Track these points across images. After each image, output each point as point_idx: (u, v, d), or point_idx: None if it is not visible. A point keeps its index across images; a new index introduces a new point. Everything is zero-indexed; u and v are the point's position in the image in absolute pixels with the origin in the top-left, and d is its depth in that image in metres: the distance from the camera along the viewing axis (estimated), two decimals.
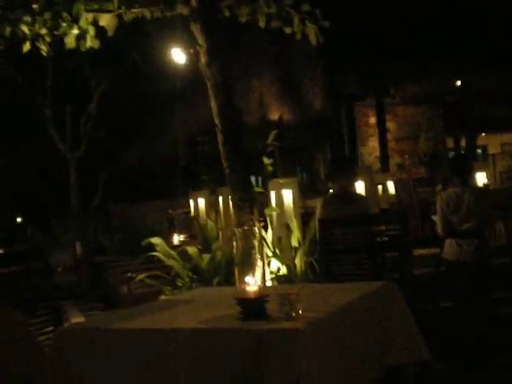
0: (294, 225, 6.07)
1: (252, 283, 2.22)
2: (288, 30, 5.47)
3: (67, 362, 2.29)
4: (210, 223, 6.64)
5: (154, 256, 6.10)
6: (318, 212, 5.22)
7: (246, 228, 2.49)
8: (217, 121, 5.46)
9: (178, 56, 7.42)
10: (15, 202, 14.48)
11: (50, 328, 3.19)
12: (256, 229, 2.44)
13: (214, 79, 5.44)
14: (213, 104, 5.49)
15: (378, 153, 16.13)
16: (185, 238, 8.99)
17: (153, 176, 15.05)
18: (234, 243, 2.36)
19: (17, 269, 3.16)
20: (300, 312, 2.19)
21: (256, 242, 2.35)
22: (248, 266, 2.28)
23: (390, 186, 11.22)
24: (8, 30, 5.17)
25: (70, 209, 13.13)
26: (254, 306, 2.18)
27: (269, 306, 2.22)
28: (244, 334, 2.04)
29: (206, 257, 5.58)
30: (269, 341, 2.00)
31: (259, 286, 2.23)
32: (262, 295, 2.21)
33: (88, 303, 8.93)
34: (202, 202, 10.78)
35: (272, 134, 6.05)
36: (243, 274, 2.26)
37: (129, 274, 6.80)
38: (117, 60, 12.12)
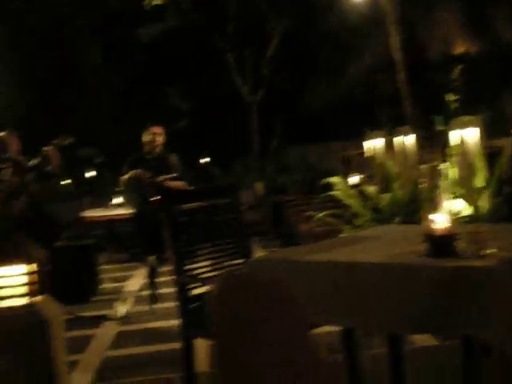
0: (480, 165, 5.79)
1: (440, 221, 2.20)
2: None
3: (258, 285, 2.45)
4: (390, 163, 6.53)
5: (333, 195, 6.16)
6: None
7: (433, 165, 2.45)
8: (397, 57, 5.32)
9: None
10: (200, 143, 15.29)
11: (240, 260, 3.40)
12: (442, 167, 2.39)
13: (396, 13, 5.29)
14: (393, 39, 5.35)
15: None
16: (361, 178, 8.96)
17: (329, 117, 15.05)
18: (421, 181, 2.33)
19: (210, 204, 3.39)
20: (490, 251, 2.14)
21: (442, 180, 2.31)
22: (435, 204, 2.26)
23: None
24: None
25: (250, 150, 13.66)
26: (443, 243, 2.17)
27: (458, 244, 2.19)
28: (434, 271, 2.05)
29: (386, 196, 5.54)
30: (459, 278, 1.99)
31: (448, 224, 2.20)
32: (451, 233, 2.19)
33: (269, 240, 9.32)
34: (378, 142, 10.63)
35: (457, 69, 5.76)
36: (431, 211, 2.24)
37: (308, 213, 6.96)
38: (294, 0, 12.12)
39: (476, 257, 2.12)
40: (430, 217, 2.23)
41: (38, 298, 3.42)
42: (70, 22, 14.44)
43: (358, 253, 2.41)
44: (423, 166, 2.61)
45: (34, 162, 5.78)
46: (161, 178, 6.18)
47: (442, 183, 2.50)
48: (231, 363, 1.89)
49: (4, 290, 3.35)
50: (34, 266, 3.42)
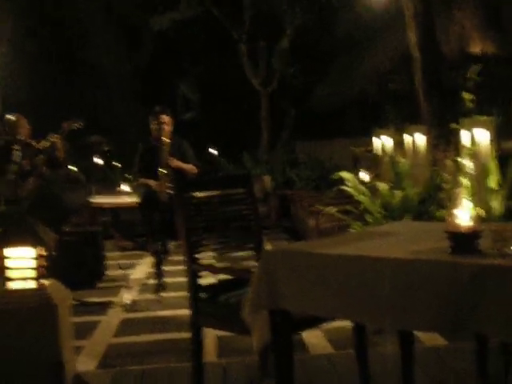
0: (492, 166, 5.75)
1: (464, 218, 2.16)
2: None
3: (273, 280, 2.42)
4: (402, 160, 6.49)
5: (343, 191, 6.12)
6: None
7: (453, 161, 2.41)
8: (414, 53, 5.27)
9: None
10: (209, 134, 15.25)
11: (251, 252, 3.37)
12: (460, 165, 2.35)
13: (414, 8, 5.23)
14: (411, 35, 5.30)
15: None
16: (370, 175, 8.91)
17: (339, 114, 14.98)
18: (441, 177, 2.29)
19: (225, 193, 3.35)
20: None
21: (461, 178, 2.27)
22: (457, 201, 2.21)
23: None
24: None
25: (259, 143, 13.60)
26: (466, 241, 2.12)
27: (481, 241, 2.15)
28: (457, 268, 2.00)
29: (398, 193, 5.50)
30: (482, 276, 1.95)
31: (471, 221, 2.16)
32: (475, 230, 2.14)
33: (275, 234, 9.29)
34: (387, 140, 10.59)
35: (474, 68, 5.71)
36: (454, 208, 2.20)
37: (317, 208, 6.93)
38: None
39: (500, 255, 2.08)
40: (453, 213, 2.19)
41: (47, 282, 3.40)
42: (85, 6, 14.42)
43: (378, 248, 2.37)
44: (444, 162, 2.60)
45: (43, 144, 5.76)
46: (173, 163, 6.14)
47: (463, 180, 2.49)
48: None
49: (13, 271, 3.33)
50: (43, 250, 3.40)
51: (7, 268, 3.34)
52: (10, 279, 3.33)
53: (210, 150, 13.38)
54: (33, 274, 3.32)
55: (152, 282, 6.04)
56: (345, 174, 6.07)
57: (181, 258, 6.26)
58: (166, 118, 6.41)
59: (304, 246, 2.52)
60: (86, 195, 10.40)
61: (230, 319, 2.86)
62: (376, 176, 9.02)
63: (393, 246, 2.37)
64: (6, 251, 3.35)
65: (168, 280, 6.05)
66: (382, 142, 10.57)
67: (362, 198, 5.73)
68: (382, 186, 5.68)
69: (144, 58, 15.86)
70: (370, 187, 6.03)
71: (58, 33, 14.54)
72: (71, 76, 15.47)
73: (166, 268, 6.12)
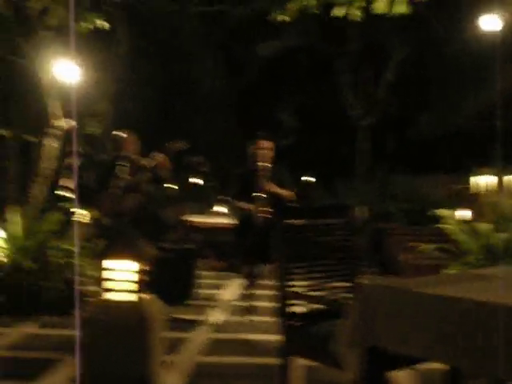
0: None
1: None
2: None
3: (371, 316, 2.37)
4: (507, 201, 6.25)
5: (441, 228, 5.96)
6: None
7: None
8: None
9: (490, 22, 7.01)
10: (306, 161, 15.30)
11: (346, 283, 3.32)
12: None
13: None
14: None
15: None
16: (470, 214, 8.63)
17: (441, 148, 14.67)
18: None
19: (323, 222, 3.35)
20: None
21: None
22: None
23: None
24: None
25: (357, 173, 13.49)
26: None
27: None
28: None
29: (501, 236, 5.29)
30: None
31: None
32: None
33: (367, 266, 9.13)
34: (490, 179, 10.26)
35: None
36: None
37: (413, 244, 6.78)
38: (419, 26, 11.94)
39: None
40: None
41: (145, 296, 3.50)
42: (193, 35, 14.94)
43: (483, 291, 2.28)
44: None
45: (148, 163, 5.96)
46: (271, 188, 6.20)
47: None
48: None
49: (114, 283, 3.45)
50: (143, 264, 3.50)
51: (108, 279, 3.46)
52: (109, 290, 3.45)
53: (307, 177, 13.42)
54: (132, 287, 3.43)
55: (241, 304, 6.08)
56: (444, 212, 5.92)
57: (272, 282, 6.30)
58: (266, 144, 6.49)
59: (404, 284, 2.46)
60: (183, 213, 10.67)
61: (321, 350, 2.83)
62: (477, 216, 8.73)
63: (500, 291, 2.28)
64: (107, 262, 3.47)
65: (257, 304, 6.07)
66: (485, 181, 10.26)
67: (461, 237, 5.56)
68: (484, 227, 5.49)
69: (246, 84, 16.19)
70: (470, 227, 5.84)
71: (164, 55, 15.12)
72: (174, 99, 16.00)
73: (256, 291, 6.16)
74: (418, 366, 3.12)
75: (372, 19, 6.38)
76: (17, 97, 12.49)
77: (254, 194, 6.22)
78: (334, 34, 12.59)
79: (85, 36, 7.02)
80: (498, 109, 13.30)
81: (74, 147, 9.65)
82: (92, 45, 10.30)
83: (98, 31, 7.10)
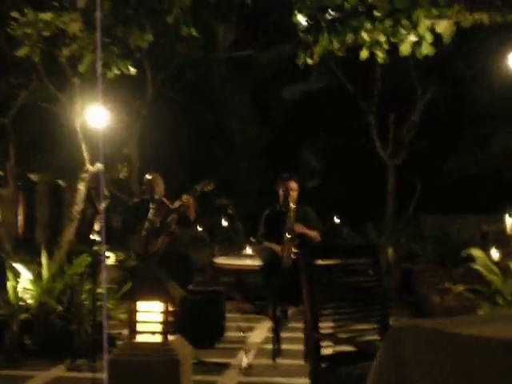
0: None
1: None
2: None
3: (400, 359, 2.32)
4: None
5: (472, 269, 5.87)
6: None
7: None
8: None
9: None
10: (332, 202, 15.26)
11: (375, 325, 3.28)
12: None
13: None
14: None
15: None
16: (501, 255, 8.50)
17: (468, 188, 14.54)
18: None
19: (351, 262, 3.33)
20: None
21: None
22: None
23: None
24: (350, 37, 5.41)
25: (385, 214, 13.40)
26: None
27: None
28: None
29: None
30: None
31: None
32: None
33: (396, 309, 8.99)
34: None
35: None
36: None
37: (445, 285, 6.67)
38: (444, 68, 12.00)
39: None
40: None
41: (172, 337, 3.49)
42: (221, 81, 15.21)
43: None
44: None
45: (176, 204, 6.01)
46: (299, 228, 6.20)
47: None
48: None
49: (142, 324, 3.45)
50: (170, 306, 3.50)
51: (136, 321, 3.47)
52: (138, 332, 3.45)
53: (334, 218, 13.39)
54: (161, 328, 3.42)
55: (269, 346, 6.01)
56: (475, 252, 5.84)
57: (299, 324, 6.23)
58: (293, 185, 6.52)
59: (435, 324, 2.40)
60: (211, 255, 10.68)
61: None
62: (508, 256, 8.58)
63: None
64: (135, 304, 3.48)
65: (285, 346, 6.00)
66: None
67: (493, 277, 5.47)
68: None
69: (273, 126, 16.34)
70: (502, 267, 5.74)
71: (193, 97, 15.38)
72: (203, 144, 16.20)
73: (284, 334, 6.09)
74: None
75: (398, 60, 6.44)
76: (48, 143, 12.77)
77: (283, 235, 6.22)
78: (359, 74, 12.70)
79: (114, 82, 7.18)
80: None
81: (103, 190, 9.78)
82: (122, 92, 10.54)
83: (127, 78, 7.26)
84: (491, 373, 2.05)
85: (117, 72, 6.66)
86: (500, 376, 2.03)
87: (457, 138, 14.52)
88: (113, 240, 9.13)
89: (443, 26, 5.33)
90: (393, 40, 5.52)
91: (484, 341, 2.10)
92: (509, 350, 2.02)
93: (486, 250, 8.75)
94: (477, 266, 5.61)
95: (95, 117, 7.26)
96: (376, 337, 3.26)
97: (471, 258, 5.86)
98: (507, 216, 10.81)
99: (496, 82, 10.57)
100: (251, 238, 10.65)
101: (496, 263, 6.39)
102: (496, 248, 9.00)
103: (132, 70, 6.67)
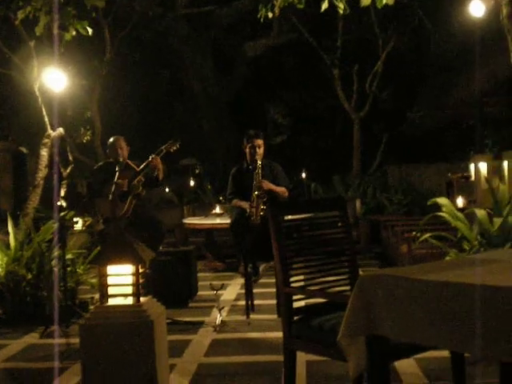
0: None
1: None
2: None
3: (370, 305, 2.37)
4: (502, 187, 6.25)
5: (438, 217, 5.95)
6: None
7: None
8: None
9: (474, 8, 7.01)
10: (299, 157, 15.30)
11: (346, 276, 3.32)
12: None
13: None
14: None
15: None
16: (465, 202, 8.65)
17: (432, 138, 14.68)
18: None
19: (318, 216, 3.35)
20: None
21: None
22: None
23: None
24: None
25: (352, 167, 13.50)
26: None
27: None
28: None
29: (498, 221, 5.29)
30: None
31: None
32: None
33: (365, 259, 9.15)
34: (484, 165, 10.26)
35: None
36: None
37: (412, 234, 6.77)
38: (404, 17, 11.97)
39: None
40: None
41: (144, 299, 3.49)
42: (180, 38, 14.94)
43: (481, 275, 2.28)
44: None
45: (141, 167, 5.94)
46: (266, 185, 6.22)
47: None
48: None
49: (112, 288, 3.43)
50: (140, 267, 3.49)
51: (106, 285, 3.45)
52: (109, 295, 3.44)
53: (301, 173, 13.42)
54: (131, 290, 3.41)
55: (242, 303, 6.07)
56: (441, 200, 5.91)
57: (271, 280, 6.29)
58: (259, 142, 6.52)
59: (401, 272, 2.45)
60: (180, 216, 10.66)
61: (325, 343, 2.83)
62: (472, 202, 8.74)
63: (497, 274, 2.28)
64: (105, 268, 3.46)
65: (258, 302, 6.07)
66: (479, 168, 10.26)
67: (458, 224, 5.55)
68: (481, 213, 5.48)
69: (236, 83, 16.18)
70: (467, 214, 5.83)
71: (153, 56, 15.13)
72: (165, 102, 15.99)
73: (256, 290, 6.15)
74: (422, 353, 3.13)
75: (359, 12, 6.41)
76: (6, 109, 12.47)
77: (250, 192, 6.23)
78: (321, 27, 12.61)
79: (71, 44, 7.00)
80: (489, 95, 13.34)
81: (68, 155, 9.64)
82: (79, 52, 10.29)
83: (84, 38, 7.08)
84: (455, 313, 2.11)
85: (74, 33, 6.49)
86: (463, 316, 2.09)
87: (419, 87, 14.58)
88: (80, 205, 9.06)
89: None
90: None
91: (447, 285, 2.16)
92: (470, 292, 2.08)
93: (452, 198, 8.91)
94: (443, 214, 5.68)
95: (53, 80, 7.09)
96: (346, 287, 3.31)
97: (437, 207, 5.93)
98: (471, 164, 10.97)
99: (457, 30, 10.59)
100: (220, 197, 10.66)
101: (461, 210, 6.50)
102: (460, 195, 9.16)
103: (89, 31, 6.50)
